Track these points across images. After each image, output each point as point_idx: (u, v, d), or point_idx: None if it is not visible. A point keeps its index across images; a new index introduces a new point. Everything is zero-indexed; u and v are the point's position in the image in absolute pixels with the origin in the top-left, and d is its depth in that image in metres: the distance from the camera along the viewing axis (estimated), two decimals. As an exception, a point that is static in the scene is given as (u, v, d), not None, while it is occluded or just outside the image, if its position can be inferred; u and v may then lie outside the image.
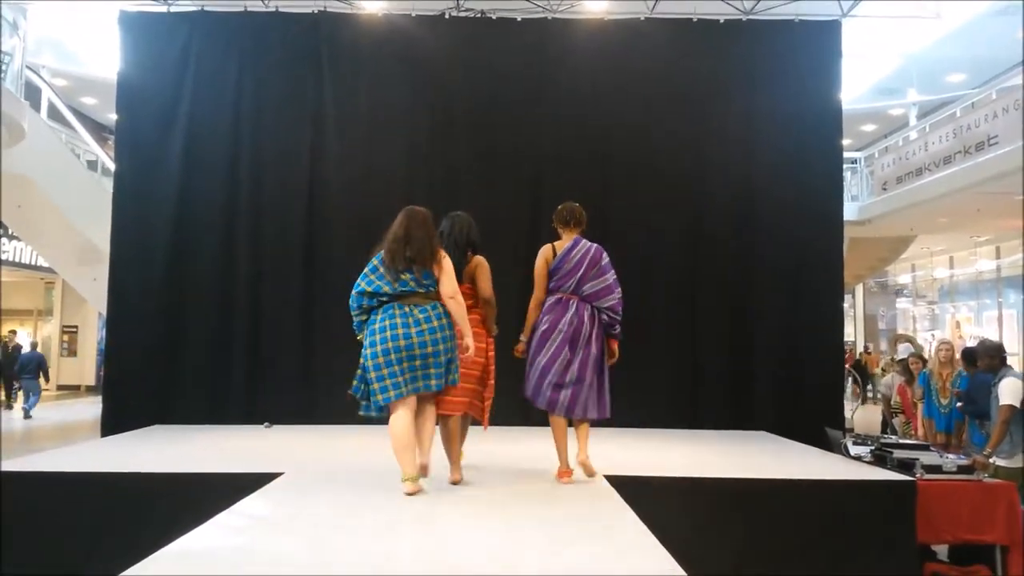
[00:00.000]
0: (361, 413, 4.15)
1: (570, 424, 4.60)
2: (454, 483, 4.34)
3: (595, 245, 4.67)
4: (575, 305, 4.52)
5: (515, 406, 6.84)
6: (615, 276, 4.63)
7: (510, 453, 5.82)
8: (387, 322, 3.99)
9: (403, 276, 4.06)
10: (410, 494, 3.92)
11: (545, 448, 5.95)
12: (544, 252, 4.67)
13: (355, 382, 4.11)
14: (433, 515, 3.67)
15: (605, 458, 5.47)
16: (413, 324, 3.99)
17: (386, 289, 4.05)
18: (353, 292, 4.14)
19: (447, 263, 4.18)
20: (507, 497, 4.19)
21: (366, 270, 4.17)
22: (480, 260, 4.65)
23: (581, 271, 4.55)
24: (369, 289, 4.07)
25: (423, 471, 4.08)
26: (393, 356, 3.94)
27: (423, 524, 3.48)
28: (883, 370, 8.24)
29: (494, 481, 4.70)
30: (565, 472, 4.55)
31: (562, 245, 4.65)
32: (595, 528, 3.48)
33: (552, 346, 4.47)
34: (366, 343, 4.05)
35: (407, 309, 4.02)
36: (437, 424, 4.30)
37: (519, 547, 3.14)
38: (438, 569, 2.86)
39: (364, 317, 4.12)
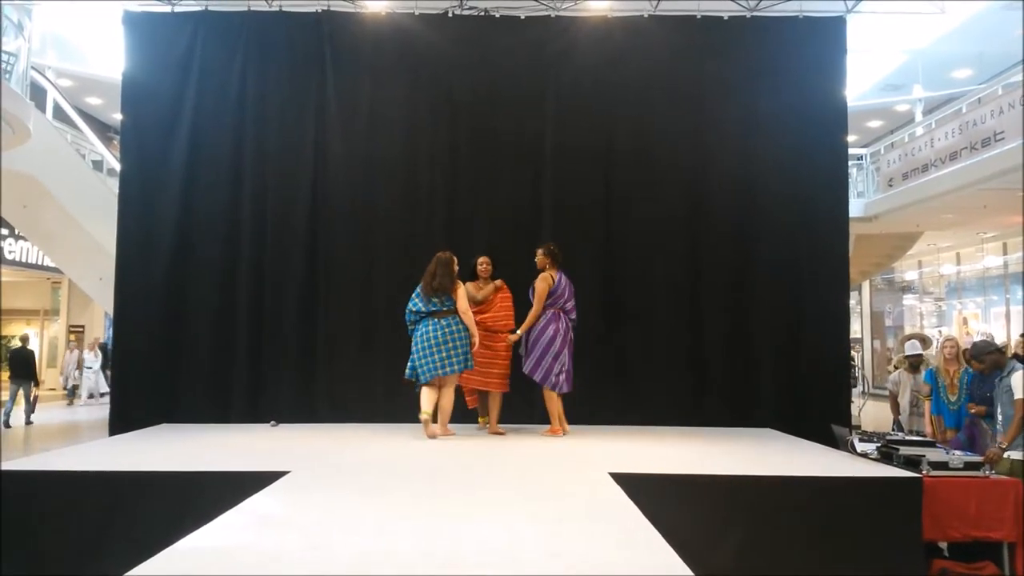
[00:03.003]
0: (406, 377, 6.29)
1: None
2: (495, 433, 6.56)
3: (567, 278, 6.59)
4: (562, 317, 6.49)
5: (518, 404, 6.89)
6: None
7: (512, 450, 5.82)
8: (424, 329, 6.19)
9: (433, 299, 6.21)
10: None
11: (545, 446, 5.99)
12: (547, 280, 6.46)
13: (408, 369, 6.26)
14: (436, 513, 3.68)
15: (610, 454, 5.49)
16: (440, 329, 6.15)
17: (423, 309, 6.24)
18: (407, 308, 6.31)
19: (461, 290, 6.27)
20: (510, 494, 4.19)
21: (413, 295, 6.31)
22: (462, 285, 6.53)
23: (566, 295, 6.53)
24: (414, 309, 6.28)
25: (429, 428, 6.15)
26: (430, 349, 6.13)
27: (426, 522, 3.48)
28: (895, 366, 8.19)
29: (497, 478, 4.71)
30: (561, 429, 6.53)
31: (554, 276, 6.48)
32: (599, 524, 3.48)
33: (558, 347, 6.40)
34: (415, 342, 6.23)
35: (436, 320, 6.17)
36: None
37: (522, 544, 3.14)
38: (441, 567, 2.86)
39: (412, 327, 6.31)
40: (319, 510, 3.73)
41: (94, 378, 17.04)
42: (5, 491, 4.43)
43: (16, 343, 13.90)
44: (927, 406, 6.55)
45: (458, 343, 6.14)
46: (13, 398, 12.90)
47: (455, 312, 6.18)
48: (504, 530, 3.35)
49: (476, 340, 6.21)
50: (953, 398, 6.31)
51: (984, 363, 5.64)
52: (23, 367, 13.05)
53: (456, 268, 6.32)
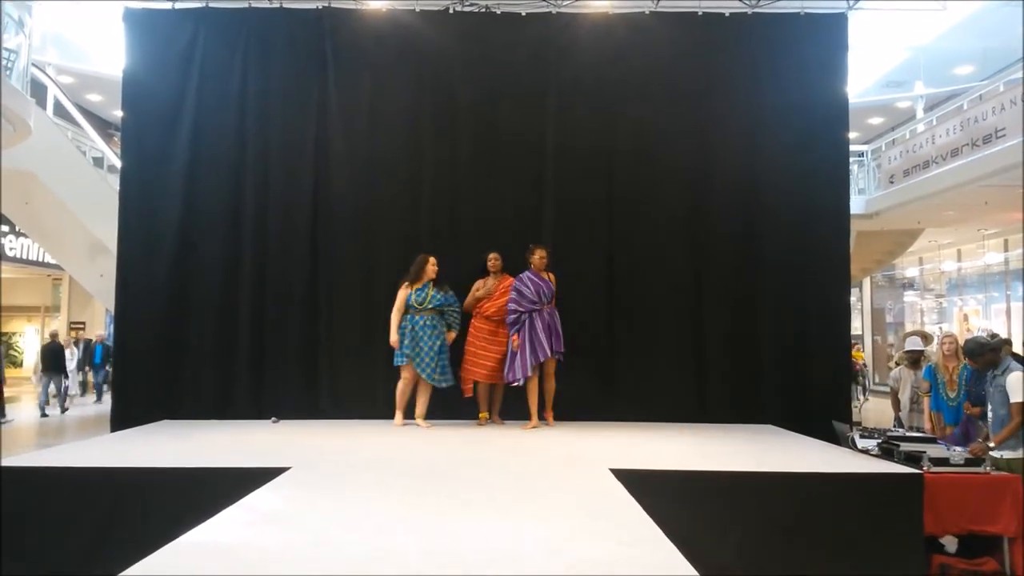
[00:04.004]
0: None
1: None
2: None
3: None
4: None
5: (519, 401, 6.91)
6: None
7: (512, 447, 5.83)
8: None
9: None
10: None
11: (546, 442, 5.99)
12: None
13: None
14: (437, 510, 3.68)
15: (610, 451, 5.50)
16: None
17: None
18: None
19: (399, 292, 6.72)
20: (511, 491, 4.19)
21: None
22: None
23: None
24: None
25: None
26: None
27: (428, 519, 3.48)
28: (896, 363, 8.20)
29: (498, 475, 4.72)
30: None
31: None
32: (601, 522, 3.48)
33: None
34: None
35: None
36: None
37: (524, 542, 3.14)
38: (442, 564, 2.86)
39: None
40: (319, 507, 3.74)
41: (70, 376, 15.67)
42: (5, 487, 4.44)
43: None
44: (926, 403, 6.56)
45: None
46: (46, 390, 13.97)
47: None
48: (506, 527, 3.35)
49: (392, 338, 6.63)
50: (952, 394, 6.32)
51: (978, 362, 5.64)
52: (55, 360, 14.01)
53: (425, 268, 6.71)
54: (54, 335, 14.99)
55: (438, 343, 6.68)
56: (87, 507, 4.50)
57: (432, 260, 6.75)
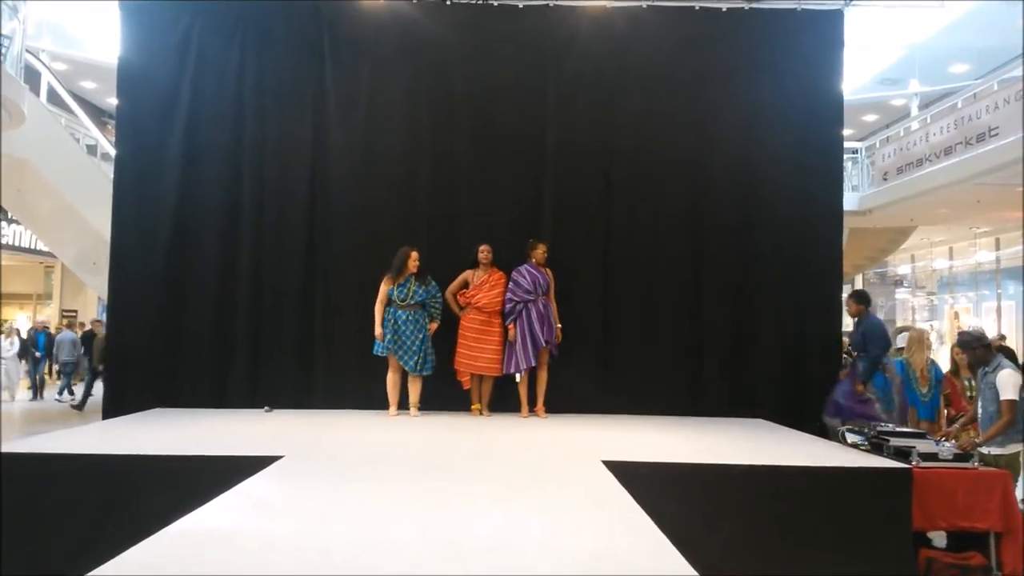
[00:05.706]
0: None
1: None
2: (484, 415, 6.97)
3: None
4: None
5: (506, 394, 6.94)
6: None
7: (505, 438, 5.85)
8: None
9: None
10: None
11: (539, 433, 6.01)
12: None
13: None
14: (431, 500, 3.70)
15: (602, 443, 5.52)
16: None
17: None
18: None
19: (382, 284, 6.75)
20: (505, 482, 4.21)
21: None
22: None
23: None
24: None
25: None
26: None
27: (421, 509, 3.50)
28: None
29: (491, 466, 4.74)
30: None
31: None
32: (596, 514, 3.50)
33: None
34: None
35: None
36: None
37: (518, 534, 3.16)
38: (436, 553, 2.88)
39: None
40: (313, 495, 3.75)
41: (12, 368, 14.51)
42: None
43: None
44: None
45: None
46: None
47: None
48: (500, 518, 3.37)
49: (376, 331, 6.67)
50: (924, 390, 6.49)
51: (968, 355, 5.69)
52: (88, 348, 14.40)
53: (407, 262, 6.71)
54: (95, 322, 15.62)
55: (420, 336, 6.71)
56: (80, 494, 4.49)
57: (414, 255, 6.75)
